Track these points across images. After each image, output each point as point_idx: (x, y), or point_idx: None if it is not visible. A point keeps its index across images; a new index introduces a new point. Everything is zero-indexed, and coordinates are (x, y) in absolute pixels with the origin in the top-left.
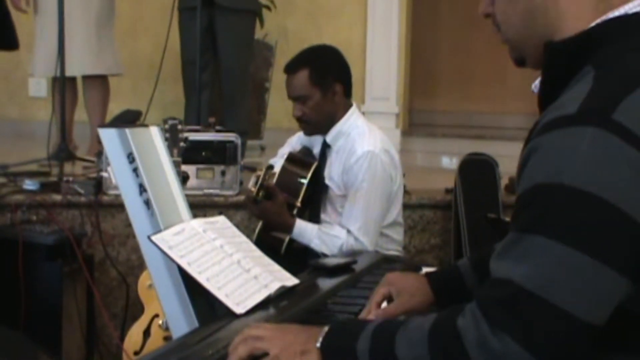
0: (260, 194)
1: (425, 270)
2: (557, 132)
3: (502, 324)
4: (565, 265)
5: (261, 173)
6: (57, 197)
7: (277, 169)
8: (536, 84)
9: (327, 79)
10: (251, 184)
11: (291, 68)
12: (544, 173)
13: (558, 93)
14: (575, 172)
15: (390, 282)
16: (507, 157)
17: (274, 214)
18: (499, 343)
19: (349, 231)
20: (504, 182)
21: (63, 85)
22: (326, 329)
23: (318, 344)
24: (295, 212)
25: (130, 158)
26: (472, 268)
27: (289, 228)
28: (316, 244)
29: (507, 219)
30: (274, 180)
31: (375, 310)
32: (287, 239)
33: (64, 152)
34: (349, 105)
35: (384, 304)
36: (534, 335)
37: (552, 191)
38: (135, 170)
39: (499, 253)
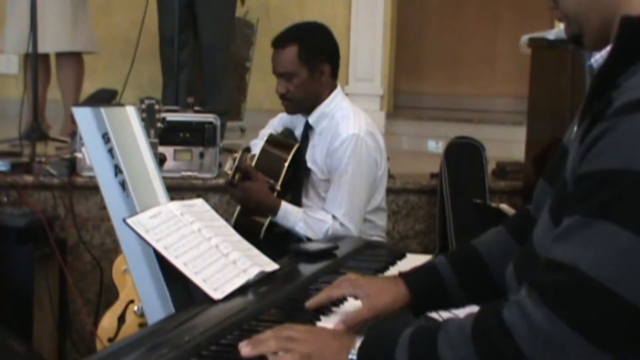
0: (237, 176)
1: (408, 256)
2: (638, 116)
3: (562, 311)
4: (634, 255)
5: (237, 155)
6: (29, 179)
7: (257, 151)
8: (596, 58)
9: (316, 59)
10: (227, 167)
11: (279, 43)
12: (618, 157)
13: (622, 70)
14: None
15: (357, 284)
16: (495, 141)
17: (257, 193)
18: (554, 330)
19: (334, 217)
20: (490, 166)
21: (36, 62)
22: (359, 341)
23: (352, 357)
24: (275, 195)
25: (106, 138)
26: (451, 267)
27: (273, 209)
28: (301, 227)
29: (494, 204)
30: (253, 163)
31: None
32: (266, 222)
33: (37, 132)
34: (334, 87)
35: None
36: (595, 323)
37: (625, 178)
38: (110, 151)
39: (560, 235)
